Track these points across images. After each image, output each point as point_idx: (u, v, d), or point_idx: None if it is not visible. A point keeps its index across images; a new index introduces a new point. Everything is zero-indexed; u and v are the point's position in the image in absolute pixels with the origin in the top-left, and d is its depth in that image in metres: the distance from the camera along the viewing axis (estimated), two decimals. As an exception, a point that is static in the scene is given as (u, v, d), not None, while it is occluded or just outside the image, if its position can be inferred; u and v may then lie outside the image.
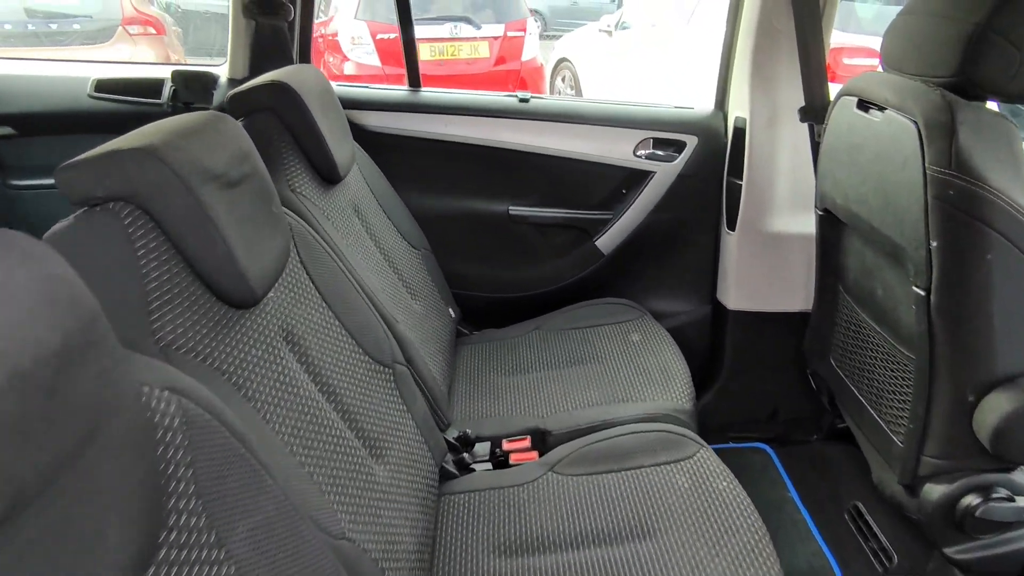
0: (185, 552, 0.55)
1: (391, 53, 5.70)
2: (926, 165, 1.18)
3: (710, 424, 2.10)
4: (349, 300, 1.23)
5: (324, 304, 1.16)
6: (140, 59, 6.17)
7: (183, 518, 0.56)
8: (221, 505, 0.60)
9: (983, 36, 1.13)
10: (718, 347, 2.06)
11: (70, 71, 1.89)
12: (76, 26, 6.07)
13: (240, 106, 1.33)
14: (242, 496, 0.64)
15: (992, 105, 1.28)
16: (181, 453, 0.57)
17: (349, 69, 5.77)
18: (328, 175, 1.43)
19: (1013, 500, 1.33)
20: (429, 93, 1.98)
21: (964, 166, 1.14)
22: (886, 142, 1.30)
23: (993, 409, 1.22)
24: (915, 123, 1.20)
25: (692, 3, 5.78)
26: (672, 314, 2.04)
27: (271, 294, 1.01)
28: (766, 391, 2.07)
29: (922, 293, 1.24)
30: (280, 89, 1.32)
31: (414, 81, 1.99)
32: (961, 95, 1.18)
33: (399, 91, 2.00)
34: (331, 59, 5.96)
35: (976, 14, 1.14)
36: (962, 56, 1.15)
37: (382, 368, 1.25)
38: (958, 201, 1.15)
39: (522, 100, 1.93)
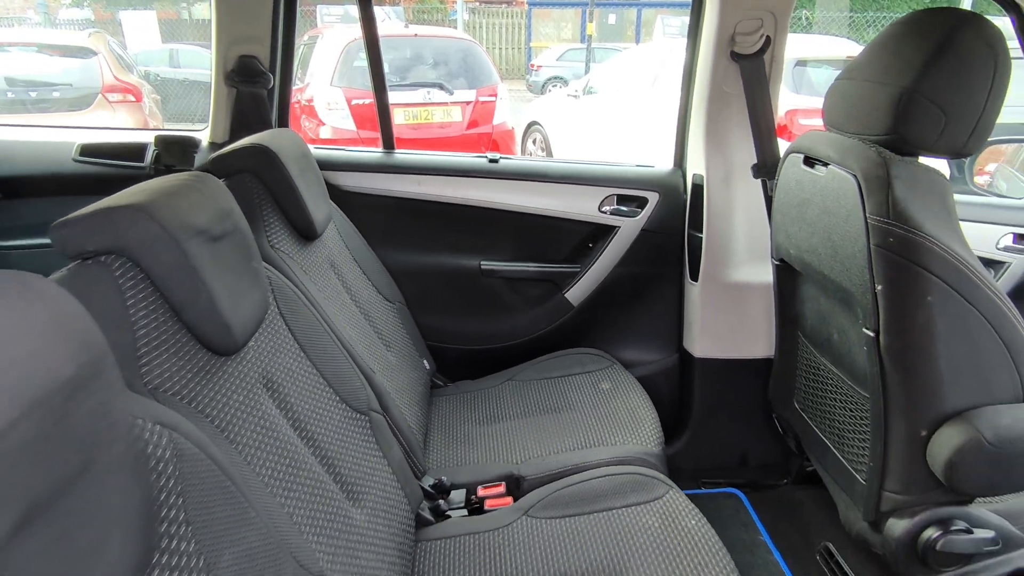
0: (176, 574, 0.58)
1: (366, 118, 5.87)
2: (867, 215, 1.27)
3: (682, 470, 2.13)
4: (326, 350, 1.27)
5: (303, 354, 1.20)
6: (119, 125, 6.29)
7: (174, 543, 0.59)
8: (209, 533, 0.64)
9: (912, 99, 1.23)
10: (687, 395, 2.12)
11: (55, 137, 1.95)
12: (56, 94, 6.19)
13: (222, 168, 1.39)
14: (228, 526, 0.67)
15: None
16: (172, 482, 0.61)
17: (325, 133, 5.92)
18: (306, 232, 1.49)
19: (971, 532, 1.38)
20: (402, 155, 2.07)
21: (901, 215, 1.23)
22: (831, 196, 1.39)
23: (944, 443, 1.28)
24: (855, 177, 1.30)
25: (655, 70, 6.07)
26: (641, 363, 2.10)
27: (251, 343, 1.05)
28: (735, 437, 2.12)
29: (871, 335, 1.31)
30: (261, 152, 1.39)
31: (388, 144, 2.09)
32: (895, 151, 1.28)
33: (374, 153, 2.09)
34: (307, 124, 6.11)
35: (904, 79, 1.24)
36: (894, 117, 1.25)
37: (358, 416, 1.29)
38: (897, 247, 1.23)
39: (491, 160, 2.03)
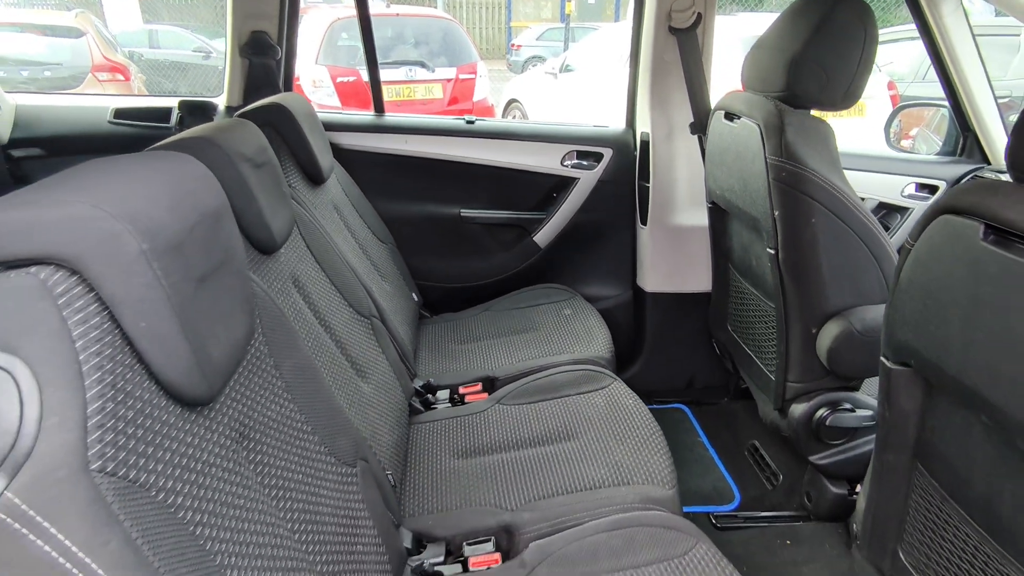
0: (257, 362, 0.90)
1: (350, 95, 6.10)
2: (766, 156, 1.60)
3: (636, 392, 2.46)
4: (335, 266, 1.59)
5: (318, 265, 1.52)
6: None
7: (255, 344, 0.91)
8: (275, 345, 0.96)
9: (800, 61, 1.55)
10: (640, 325, 2.45)
11: (91, 102, 2.24)
12: (47, 73, 6.37)
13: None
14: (286, 345, 0.99)
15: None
16: (255, 309, 0.93)
17: (311, 110, 6.09)
18: (314, 177, 1.79)
19: (854, 411, 1.73)
20: (391, 117, 2.38)
21: (792, 155, 1.56)
22: (742, 142, 1.72)
23: (827, 336, 1.62)
24: (759, 126, 1.62)
25: (625, 48, 6.37)
26: (600, 298, 2.44)
27: (282, 250, 1.36)
28: (683, 362, 2.46)
29: (772, 252, 1.65)
30: (278, 109, 1.69)
31: (379, 108, 2.39)
32: (789, 105, 1.61)
33: (367, 115, 2.39)
34: (294, 101, 6.28)
35: (795, 45, 1.56)
36: (787, 76, 1.57)
37: (362, 319, 1.61)
38: (789, 180, 1.56)
39: (468, 122, 2.35)
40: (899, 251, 1.62)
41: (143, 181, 0.70)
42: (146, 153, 0.75)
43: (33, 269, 0.60)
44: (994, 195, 0.93)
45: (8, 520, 0.51)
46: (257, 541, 0.76)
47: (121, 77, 6.69)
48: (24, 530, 0.51)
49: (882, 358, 1.24)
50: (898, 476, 1.28)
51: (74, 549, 0.52)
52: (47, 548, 0.52)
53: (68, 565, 0.52)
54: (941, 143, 2.60)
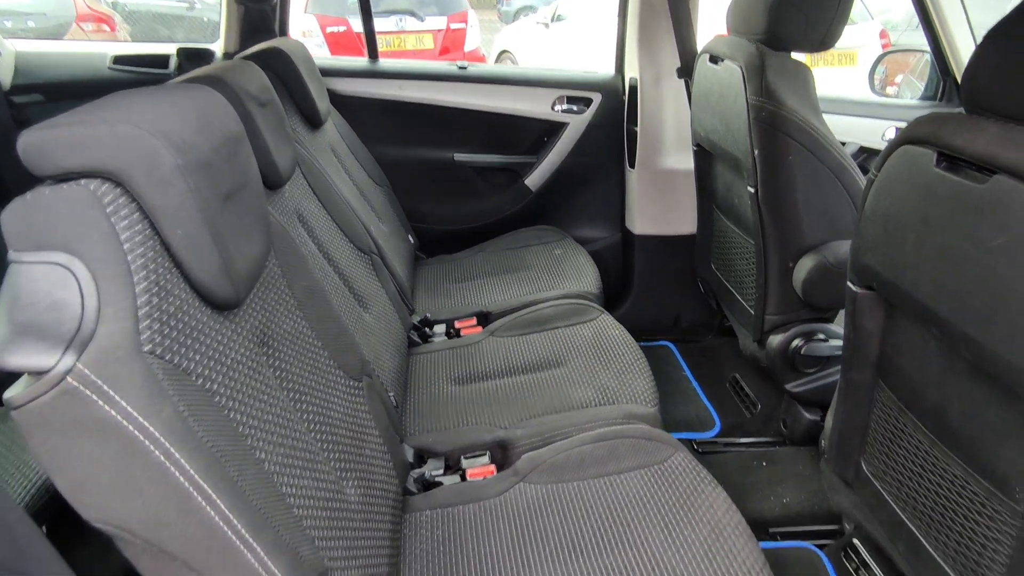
0: (272, 280, 0.99)
1: (340, 45, 6.05)
2: (748, 96, 1.67)
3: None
4: (336, 203, 1.67)
5: (320, 203, 1.59)
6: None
7: (270, 265, 1.00)
8: (288, 268, 1.05)
9: (781, 4, 1.61)
10: (629, 266, 2.55)
11: (91, 48, 2.27)
12: (31, 23, 6.27)
13: None
14: (297, 268, 1.08)
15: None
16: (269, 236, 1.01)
17: (300, 61, 6.05)
18: (312, 119, 1.85)
19: (827, 341, 1.84)
20: (386, 63, 2.43)
21: (771, 95, 1.63)
22: (725, 84, 1.79)
23: (802, 269, 1.72)
24: (740, 68, 1.69)
25: (619, -5, 6.31)
26: (590, 240, 2.52)
27: (287, 186, 1.44)
28: (669, 302, 2.56)
29: (752, 190, 1.73)
30: (278, 53, 1.75)
31: (373, 54, 2.43)
32: (771, 47, 1.67)
33: (361, 61, 2.43)
34: (283, 52, 6.23)
35: None
36: (768, 20, 1.64)
37: (362, 254, 1.69)
38: (768, 119, 1.64)
39: (461, 67, 2.39)
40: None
41: (173, 106, 0.77)
42: (171, 85, 0.83)
43: (83, 181, 0.68)
44: (946, 125, 1.02)
45: (81, 388, 0.60)
46: (280, 432, 0.86)
47: (107, 28, 6.60)
48: (94, 396, 0.61)
49: (848, 283, 1.34)
50: (861, 392, 1.39)
51: (135, 414, 0.62)
52: (113, 412, 0.61)
53: (130, 427, 0.62)
54: (924, 88, 2.66)
